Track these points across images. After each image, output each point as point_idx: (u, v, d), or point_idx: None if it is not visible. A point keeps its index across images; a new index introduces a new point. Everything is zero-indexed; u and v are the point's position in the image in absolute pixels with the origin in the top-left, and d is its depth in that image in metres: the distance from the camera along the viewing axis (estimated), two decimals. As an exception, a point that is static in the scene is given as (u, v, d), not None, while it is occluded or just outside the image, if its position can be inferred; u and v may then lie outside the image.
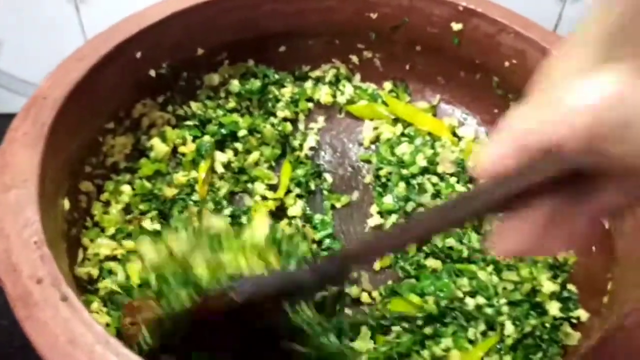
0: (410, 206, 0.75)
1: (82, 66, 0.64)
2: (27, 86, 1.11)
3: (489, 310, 0.64)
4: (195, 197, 0.74)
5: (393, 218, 0.75)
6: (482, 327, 0.63)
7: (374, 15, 0.80)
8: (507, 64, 0.75)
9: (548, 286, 0.65)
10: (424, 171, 0.77)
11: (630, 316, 0.47)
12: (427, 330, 0.64)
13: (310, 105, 0.86)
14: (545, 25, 1.13)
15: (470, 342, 0.63)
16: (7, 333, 0.75)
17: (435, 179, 0.77)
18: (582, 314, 0.63)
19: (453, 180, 0.77)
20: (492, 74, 0.78)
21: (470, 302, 0.64)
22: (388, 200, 0.76)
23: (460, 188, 0.76)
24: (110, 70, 0.67)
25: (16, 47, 1.07)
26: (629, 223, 0.59)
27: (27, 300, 0.47)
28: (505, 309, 0.64)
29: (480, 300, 0.65)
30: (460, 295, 0.65)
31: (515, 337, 0.62)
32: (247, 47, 0.81)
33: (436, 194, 0.75)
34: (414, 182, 0.76)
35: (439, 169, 0.77)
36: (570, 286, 0.66)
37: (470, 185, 0.77)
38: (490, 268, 0.69)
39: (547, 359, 0.61)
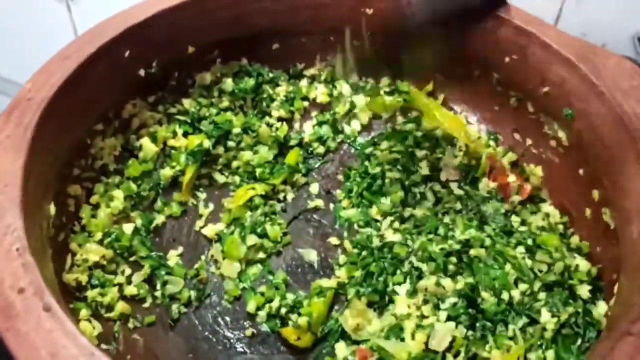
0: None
1: (67, 66, 0.62)
2: (17, 88, 1.09)
3: (527, 300, 0.62)
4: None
5: None
6: (520, 322, 0.61)
7: (369, 11, 0.78)
8: (507, 59, 0.73)
9: (583, 265, 0.64)
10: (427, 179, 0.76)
11: (636, 324, 0.45)
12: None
13: (306, 104, 0.84)
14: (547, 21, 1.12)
15: (510, 339, 0.60)
16: None
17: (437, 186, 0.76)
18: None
19: (454, 185, 0.75)
20: (491, 71, 0.76)
21: (515, 293, 0.62)
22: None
23: (460, 192, 0.75)
24: (98, 70, 0.65)
25: (6, 48, 1.05)
26: (636, 229, 0.57)
27: (8, 311, 0.45)
28: (542, 295, 0.62)
29: (523, 286, 0.63)
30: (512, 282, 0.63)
31: (553, 327, 0.60)
32: (239, 45, 0.79)
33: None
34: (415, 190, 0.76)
35: (442, 177, 0.76)
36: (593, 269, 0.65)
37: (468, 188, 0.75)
38: (521, 249, 0.67)
39: (585, 344, 0.59)
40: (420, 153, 0.78)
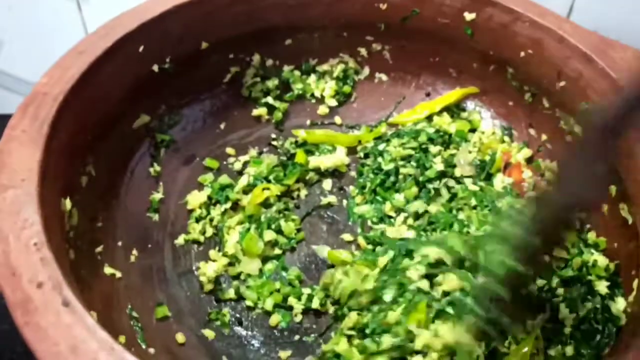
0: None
1: (82, 60, 0.62)
2: (29, 87, 1.09)
3: (544, 295, 0.62)
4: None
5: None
6: (539, 317, 0.60)
7: (383, 6, 0.77)
8: (522, 54, 0.72)
9: (601, 260, 0.63)
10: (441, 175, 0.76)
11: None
12: None
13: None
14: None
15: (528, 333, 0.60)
16: (8, 338, 0.72)
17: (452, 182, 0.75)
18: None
19: (469, 181, 0.75)
20: (506, 65, 0.76)
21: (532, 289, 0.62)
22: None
23: (475, 188, 0.74)
24: (112, 64, 0.65)
25: (17, 47, 1.05)
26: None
27: (27, 305, 0.44)
28: (560, 290, 0.62)
29: (540, 282, 0.62)
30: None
31: (572, 323, 0.59)
32: (252, 41, 0.79)
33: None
34: (430, 186, 0.75)
35: (457, 172, 0.75)
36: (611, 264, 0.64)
37: (483, 184, 0.74)
38: None
39: (605, 340, 0.58)
40: (434, 149, 0.77)
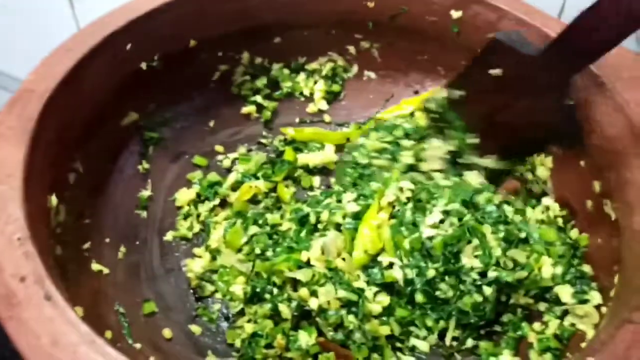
0: None
1: (69, 58, 0.63)
2: (17, 83, 1.09)
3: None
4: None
5: None
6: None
7: (371, 4, 0.78)
8: (509, 51, 0.73)
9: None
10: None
11: (637, 312, 0.45)
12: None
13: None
14: (549, 13, 1.12)
15: None
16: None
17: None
18: (596, 296, 0.61)
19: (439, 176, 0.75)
20: (493, 63, 0.76)
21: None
22: None
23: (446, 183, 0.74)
24: (100, 62, 0.65)
25: (9, 45, 1.06)
26: (637, 220, 0.57)
27: (9, 299, 0.45)
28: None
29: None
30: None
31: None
32: (241, 39, 0.79)
33: None
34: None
35: (424, 167, 0.76)
36: (586, 266, 0.65)
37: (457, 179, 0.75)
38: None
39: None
40: (407, 143, 0.78)
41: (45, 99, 0.58)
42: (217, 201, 0.76)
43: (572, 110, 0.61)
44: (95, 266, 0.64)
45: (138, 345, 0.61)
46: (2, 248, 0.47)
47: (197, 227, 0.74)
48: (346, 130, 0.85)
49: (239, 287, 0.66)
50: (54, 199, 0.58)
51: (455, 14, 0.75)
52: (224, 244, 0.70)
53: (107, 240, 0.68)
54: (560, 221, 0.69)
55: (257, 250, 0.69)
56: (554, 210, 0.70)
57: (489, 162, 0.73)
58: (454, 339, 0.65)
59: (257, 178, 0.77)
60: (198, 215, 0.75)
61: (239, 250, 0.70)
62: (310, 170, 0.81)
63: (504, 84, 0.64)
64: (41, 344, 0.43)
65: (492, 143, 0.72)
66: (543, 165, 0.74)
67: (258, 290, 0.65)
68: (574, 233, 0.67)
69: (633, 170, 0.58)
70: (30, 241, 0.48)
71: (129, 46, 0.68)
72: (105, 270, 0.65)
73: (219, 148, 0.82)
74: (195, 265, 0.69)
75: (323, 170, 0.81)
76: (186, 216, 0.75)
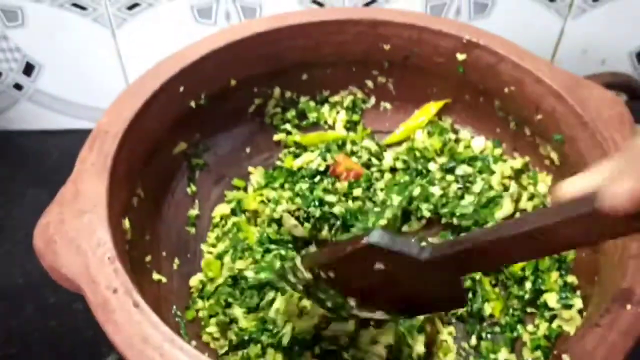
0: None
1: (134, 102, 0.74)
2: (63, 104, 1.21)
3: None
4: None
5: None
6: None
7: (386, 47, 0.89)
8: (506, 90, 0.84)
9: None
10: None
11: (604, 317, 0.56)
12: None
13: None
14: (548, 40, 1.22)
15: None
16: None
17: None
18: (578, 302, 0.73)
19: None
20: (494, 98, 0.87)
21: None
22: None
23: None
24: (159, 104, 0.77)
25: (55, 70, 1.17)
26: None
27: (105, 306, 0.57)
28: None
29: None
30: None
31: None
32: (273, 77, 0.91)
33: None
34: None
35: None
36: (571, 277, 0.76)
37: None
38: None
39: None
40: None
41: (119, 138, 0.70)
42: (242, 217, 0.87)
43: (459, 283, 0.52)
44: (155, 276, 0.76)
45: (194, 343, 0.74)
46: (96, 266, 0.59)
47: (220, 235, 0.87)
48: (352, 134, 0.96)
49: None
50: (126, 222, 0.70)
51: (460, 57, 0.85)
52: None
53: (164, 254, 0.80)
54: None
55: None
56: None
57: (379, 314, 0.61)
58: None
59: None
60: (224, 225, 0.87)
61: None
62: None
63: (385, 273, 0.52)
64: (134, 342, 0.54)
65: (374, 306, 0.60)
66: (544, 182, 0.85)
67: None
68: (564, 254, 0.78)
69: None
70: (118, 259, 0.60)
71: (181, 89, 0.80)
72: (164, 280, 0.77)
73: (253, 170, 0.93)
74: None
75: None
76: (215, 226, 0.87)
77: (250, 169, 0.93)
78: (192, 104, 0.83)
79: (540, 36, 1.19)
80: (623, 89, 1.27)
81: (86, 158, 0.68)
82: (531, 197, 0.84)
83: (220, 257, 0.82)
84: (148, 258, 0.77)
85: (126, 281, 0.58)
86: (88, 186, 0.66)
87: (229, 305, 0.77)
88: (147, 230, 0.79)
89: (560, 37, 1.23)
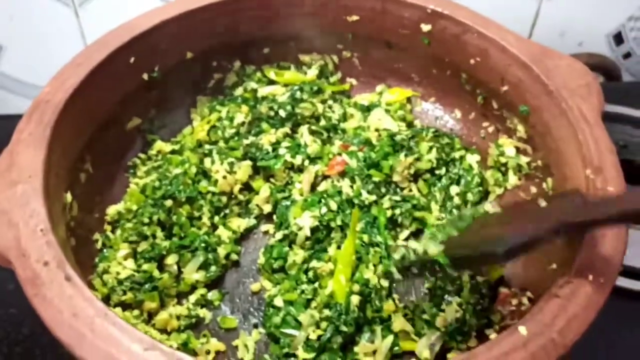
0: None
1: (79, 71, 0.71)
2: (28, 88, 1.17)
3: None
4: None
5: None
6: None
7: (349, 19, 0.86)
8: (472, 61, 0.81)
9: None
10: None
11: (563, 287, 0.53)
12: None
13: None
14: (524, 22, 1.20)
15: None
16: (15, 322, 0.79)
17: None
18: None
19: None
20: (460, 71, 0.84)
21: None
22: None
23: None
24: (106, 75, 0.73)
25: (18, 52, 1.13)
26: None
27: (35, 280, 0.53)
28: None
29: None
30: None
31: None
32: (234, 50, 0.88)
33: None
34: None
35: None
36: None
37: None
38: None
39: None
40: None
41: (60, 108, 0.66)
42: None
43: None
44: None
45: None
46: (27, 238, 0.56)
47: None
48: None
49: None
50: (68, 196, 0.67)
51: (425, 28, 0.82)
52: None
53: (114, 232, 0.77)
54: None
55: None
56: None
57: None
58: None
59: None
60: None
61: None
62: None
63: None
64: (63, 317, 0.51)
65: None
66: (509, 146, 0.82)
67: None
68: None
69: (573, 170, 0.66)
70: (51, 232, 0.56)
71: (132, 60, 0.76)
72: (112, 258, 0.73)
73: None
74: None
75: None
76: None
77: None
78: (145, 76, 0.80)
79: (515, 17, 1.17)
80: (599, 69, 1.26)
81: (24, 129, 0.65)
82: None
83: None
84: (95, 236, 0.73)
85: (58, 254, 0.55)
86: (24, 157, 0.62)
87: None
88: (95, 207, 0.75)
89: (536, 18, 1.21)
